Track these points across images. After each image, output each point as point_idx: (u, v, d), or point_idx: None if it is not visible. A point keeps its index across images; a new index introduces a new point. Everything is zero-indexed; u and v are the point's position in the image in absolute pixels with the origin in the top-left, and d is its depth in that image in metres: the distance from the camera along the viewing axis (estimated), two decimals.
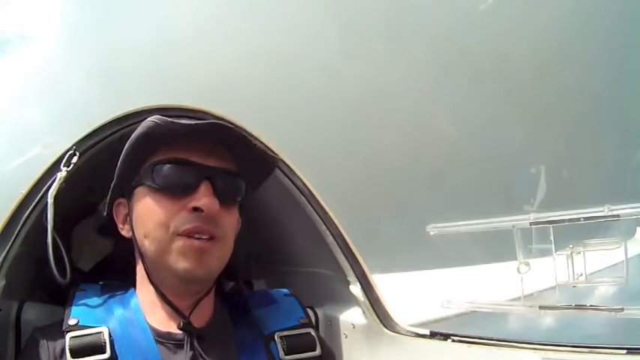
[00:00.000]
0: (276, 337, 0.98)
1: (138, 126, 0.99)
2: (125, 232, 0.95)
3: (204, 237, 0.87)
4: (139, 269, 0.95)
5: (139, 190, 0.92)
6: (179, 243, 0.86)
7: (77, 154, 1.02)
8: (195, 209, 0.87)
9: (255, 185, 1.02)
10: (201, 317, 0.95)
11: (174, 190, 0.88)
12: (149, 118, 0.90)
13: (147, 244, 0.89)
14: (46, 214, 0.96)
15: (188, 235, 0.86)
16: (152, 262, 0.91)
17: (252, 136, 1.06)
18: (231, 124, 0.99)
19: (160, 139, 0.90)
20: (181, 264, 0.87)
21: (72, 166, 1.00)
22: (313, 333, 1.03)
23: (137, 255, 0.95)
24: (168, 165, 0.89)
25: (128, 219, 0.94)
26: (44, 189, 0.99)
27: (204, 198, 0.87)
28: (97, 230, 1.07)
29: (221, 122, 0.93)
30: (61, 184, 0.98)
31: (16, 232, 0.97)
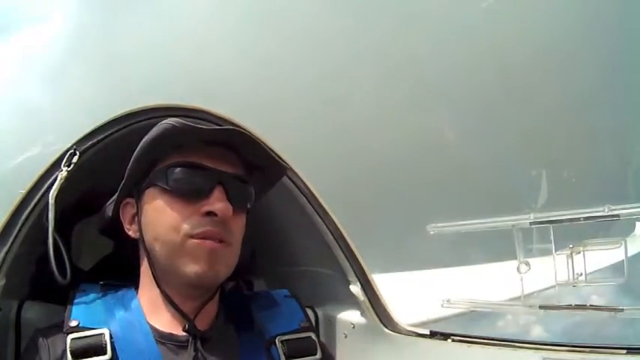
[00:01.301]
0: (277, 342, 0.98)
1: (138, 125, 0.99)
2: (132, 232, 0.95)
3: (215, 239, 0.88)
4: (144, 270, 0.95)
5: (150, 192, 0.92)
6: (191, 244, 0.87)
7: (77, 153, 1.02)
8: (209, 214, 0.87)
9: (262, 192, 1.02)
10: (205, 320, 0.95)
11: (188, 194, 0.89)
12: (166, 121, 0.90)
13: (157, 247, 0.89)
14: (47, 214, 0.96)
15: (200, 238, 0.87)
16: (161, 265, 0.90)
17: (263, 142, 1.07)
18: (243, 129, 1.00)
19: (175, 142, 0.90)
20: (192, 267, 0.87)
21: (72, 165, 1.00)
22: (314, 337, 1.03)
23: (143, 256, 0.95)
24: (182, 168, 0.89)
25: (136, 219, 0.94)
26: (44, 189, 0.99)
27: (218, 203, 0.87)
28: (100, 230, 1.07)
29: (237, 129, 0.94)
30: (61, 183, 0.98)
31: (16, 232, 0.97)
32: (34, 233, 0.99)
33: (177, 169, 0.89)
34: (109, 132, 1.06)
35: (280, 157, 1.09)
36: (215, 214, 0.87)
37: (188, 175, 0.89)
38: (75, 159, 1.01)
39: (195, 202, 0.88)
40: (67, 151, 1.02)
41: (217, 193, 0.88)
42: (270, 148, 1.03)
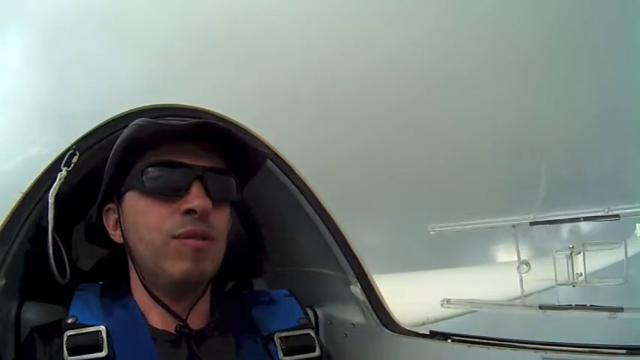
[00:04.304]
0: (275, 338, 0.97)
1: None
2: (117, 237, 0.95)
3: (198, 237, 0.87)
4: (132, 274, 0.95)
5: (129, 195, 0.91)
6: (174, 245, 0.86)
7: (77, 153, 1.02)
8: (189, 211, 0.86)
9: (245, 181, 1.01)
10: (198, 318, 0.94)
11: (166, 193, 0.88)
12: (135, 122, 0.90)
13: (141, 249, 0.89)
14: (47, 213, 0.95)
15: (183, 237, 0.86)
16: (147, 267, 0.90)
17: (240, 131, 1.06)
18: (219, 121, 0.98)
19: (147, 142, 0.90)
20: (178, 267, 0.86)
21: (72, 165, 1.00)
22: (312, 334, 1.02)
23: (130, 260, 0.94)
24: (157, 167, 0.88)
25: (119, 224, 0.94)
26: (44, 189, 0.99)
27: (196, 200, 0.86)
28: (85, 237, 1.07)
29: (205, 121, 0.93)
30: (61, 183, 0.98)
31: (16, 231, 0.97)
32: (34, 233, 0.99)
33: (153, 169, 0.88)
34: (108, 132, 1.06)
35: (261, 144, 1.08)
36: (195, 212, 0.86)
37: (164, 174, 0.88)
38: (75, 159, 1.01)
39: (175, 201, 0.87)
40: (66, 151, 1.02)
41: (195, 189, 0.87)
42: (246, 137, 1.02)
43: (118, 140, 0.91)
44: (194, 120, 0.93)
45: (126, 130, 0.90)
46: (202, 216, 0.86)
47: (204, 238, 0.87)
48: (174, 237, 0.86)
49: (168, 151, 0.90)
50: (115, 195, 0.94)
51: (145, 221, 0.88)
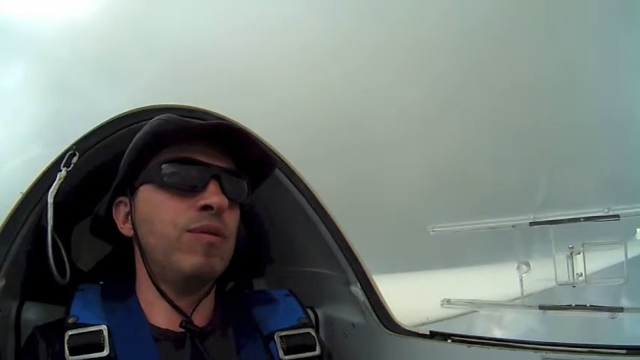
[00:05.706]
0: (275, 337, 0.98)
1: (137, 126, 0.99)
2: (126, 230, 0.95)
3: (212, 233, 0.88)
4: (140, 268, 0.95)
5: (144, 189, 0.92)
6: (188, 238, 0.87)
7: (77, 154, 1.02)
8: (205, 208, 0.88)
9: (254, 185, 1.03)
10: (202, 316, 0.95)
11: (183, 189, 0.89)
12: (157, 117, 0.91)
13: (152, 242, 0.90)
14: (46, 213, 0.96)
15: (198, 232, 0.87)
16: (157, 260, 0.91)
17: (253, 136, 1.07)
18: (232, 124, 0.99)
19: (168, 138, 0.91)
20: (189, 260, 0.87)
21: (72, 166, 1.01)
22: (313, 333, 1.02)
23: (138, 254, 0.95)
24: (176, 164, 0.90)
25: (129, 217, 0.94)
26: (44, 189, 0.99)
27: (214, 196, 0.88)
28: (91, 231, 1.07)
29: (228, 123, 0.95)
30: (60, 183, 0.98)
31: (16, 232, 0.97)
32: (33, 233, 0.99)
33: (171, 165, 0.90)
34: (108, 133, 1.06)
35: (271, 151, 1.09)
36: (211, 208, 0.88)
37: (182, 170, 0.90)
38: (74, 159, 1.02)
39: (191, 197, 0.89)
40: (66, 151, 1.02)
41: (212, 186, 0.89)
42: (260, 142, 1.03)
43: (140, 133, 0.92)
44: (216, 121, 0.95)
45: (150, 124, 0.92)
46: (218, 212, 0.88)
47: (217, 234, 0.89)
48: (189, 231, 0.87)
49: (185, 149, 0.91)
50: (128, 188, 0.94)
51: (159, 215, 0.89)
